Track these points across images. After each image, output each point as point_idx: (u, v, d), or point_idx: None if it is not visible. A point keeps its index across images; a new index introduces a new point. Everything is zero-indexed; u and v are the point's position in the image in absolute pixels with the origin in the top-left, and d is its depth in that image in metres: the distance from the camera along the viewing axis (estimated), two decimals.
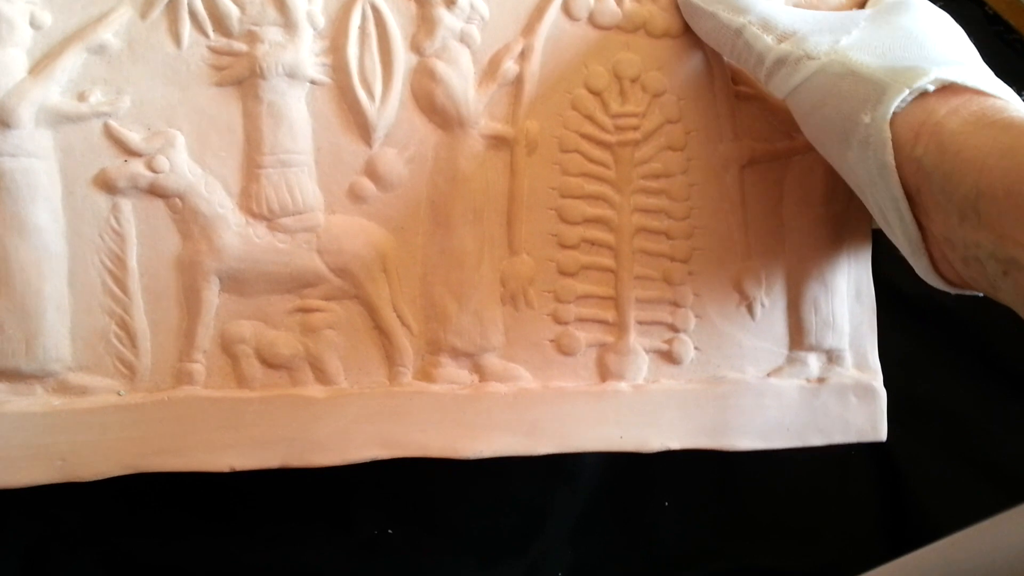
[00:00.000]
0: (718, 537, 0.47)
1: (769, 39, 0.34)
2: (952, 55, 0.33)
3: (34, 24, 0.33)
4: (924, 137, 0.30)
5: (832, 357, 0.41)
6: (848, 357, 0.41)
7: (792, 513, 0.48)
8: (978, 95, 0.30)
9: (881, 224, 0.34)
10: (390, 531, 0.43)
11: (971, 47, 0.35)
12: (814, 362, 0.41)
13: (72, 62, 0.33)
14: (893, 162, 0.30)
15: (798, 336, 0.41)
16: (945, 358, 0.51)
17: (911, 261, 0.33)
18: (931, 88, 0.30)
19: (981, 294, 0.32)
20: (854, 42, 0.33)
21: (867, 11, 0.37)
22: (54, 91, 0.33)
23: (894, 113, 0.30)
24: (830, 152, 0.34)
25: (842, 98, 0.32)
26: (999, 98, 0.30)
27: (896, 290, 0.43)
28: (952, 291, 0.33)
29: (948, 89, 0.30)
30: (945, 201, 0.29)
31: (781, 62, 0.34)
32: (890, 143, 0.30)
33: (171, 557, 0.41)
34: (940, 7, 0.67)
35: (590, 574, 0.45)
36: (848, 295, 0.41)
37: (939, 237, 0.31)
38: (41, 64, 0.33)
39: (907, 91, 0.30)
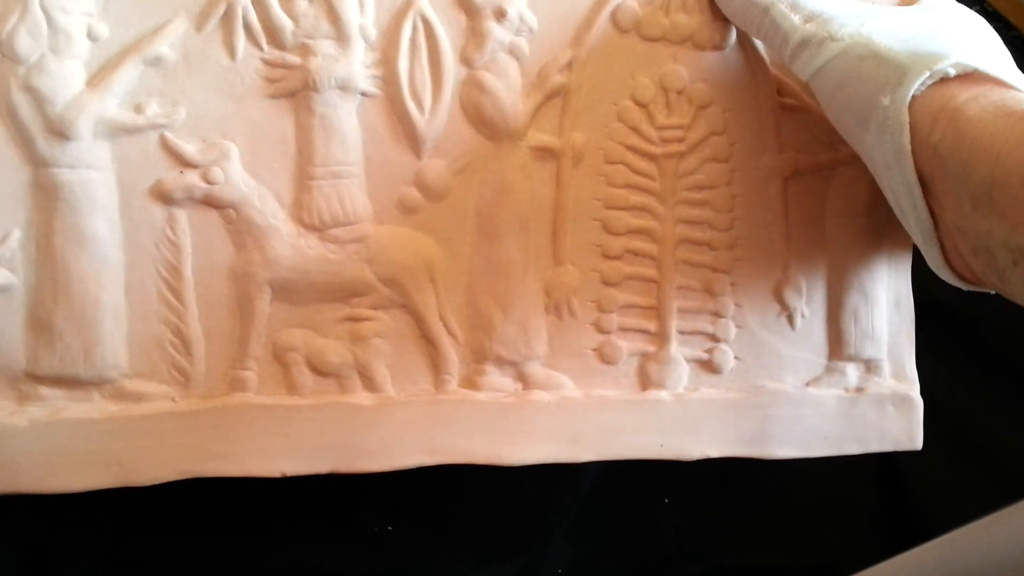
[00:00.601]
0: (717, 535, 0.48)
1: (796, 19, 0.35)
2: (979, 48, 0.34)
3: (91, 36, 0.34)
4: (942, 123, 0.30)
5: (871, 367, 0.42)
6: (886, 367, 0.42)
7: (792, 511, 0.49)
8: (999, 85, 0.31)
9: (896, 211, 0.34)
10: (390, 528, 0.44)
11: (1001, 46, 0.35)
12: (853, 372, 0.42)
13: (129, 74, 0.34)
14: (909, 146, 0.31)
15: (837, 346, 0.42)
16: (944, 356, 0.51)
17: (923, 251, 0.33)
18: (952, 72, 0.30)
19: (992, 291, 0.32)
20: (879, 26, 0.34)
21: (899, 6, 0.37)
22: (111, 103, 0.34)
23: (913, 97, 0.31)
24: (850, 135, 0.35)
25: (863, 80, 0.32)
26: (1020, 91, 0.31)
27: None
28: (963, 286, 0.33)
29: (969, 77, 0.31)
30: (959, 188, 0.30)
31: (805, 43, 0.34)
32: (907, 126, 0.30)
33: (172, 556, 0.42)
34: None
35: (590, 571, 0.46)
36: (888, 305, 0.42)
37: (951, 226, 0.31)
38: (99, 76, 0.34)
39: (927, 74, 0.30)
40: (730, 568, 0.47)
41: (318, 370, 0.36)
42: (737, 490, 0.47)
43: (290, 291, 0.36)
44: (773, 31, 0.35)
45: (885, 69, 0.31)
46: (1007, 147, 0.28)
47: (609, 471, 0.46)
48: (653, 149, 0.39)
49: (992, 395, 0.51)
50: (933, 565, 0.36)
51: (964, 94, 0.30)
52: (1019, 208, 0.27)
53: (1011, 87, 0.31)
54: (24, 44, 0.33)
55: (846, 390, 0.42)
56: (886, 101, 0.31)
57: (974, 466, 0.50)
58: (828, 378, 0.42)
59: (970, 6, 0.71)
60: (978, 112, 0.29)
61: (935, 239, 0.32)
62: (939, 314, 0.52)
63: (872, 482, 0.50)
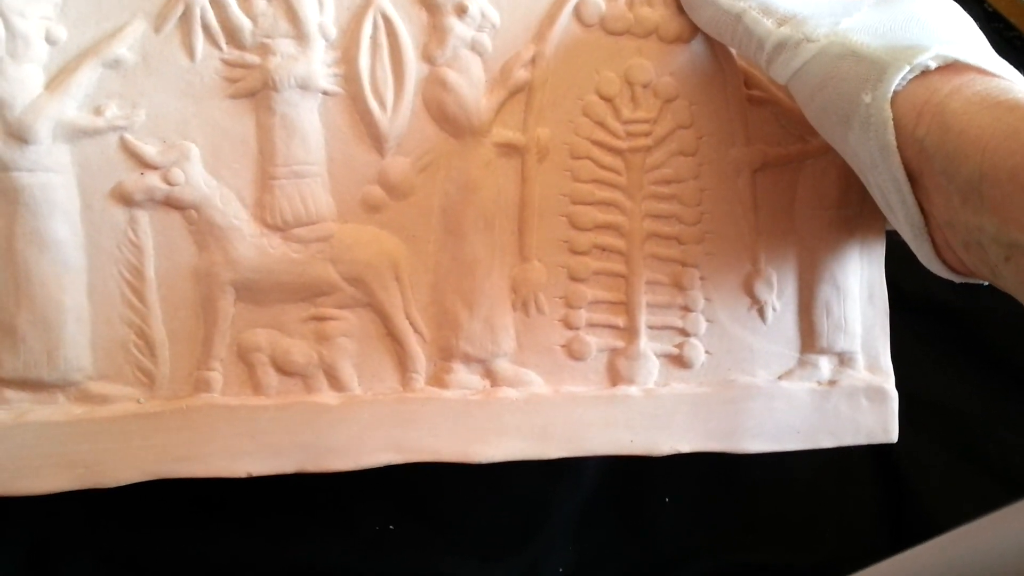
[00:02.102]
0: (718, 534, 0.49)
1: (769, 23, 0.36)
2: (956, 36, 0.34)
3: (49, 39, 0.35)
4: (926, 117, 0.30)
5: (844, 360, 0.43)
6: (860, 359, 0.44)
7: (792, 509, 0.50)
8: (982, 74, 0.31)
9: (883, 209, 0.35)
10: (392, 527, 0.45)
11: (978, 32, 0.36)
12: (825, 365, 0.43)
13: (88, 77, 0.35)
14: (895, 143, 0.31)
15: (809, 339, 0.43)
16: (944, 354, 0.53)
17: (913, 247, 0.34)
18: (933, 65, 0.31)
19: (984, 283, 0.33)
20: (855, 24, 0.34)
21: None
22: (71, 106, 0.35)
23: (895, 92, 0.31)
24: (832, 136, 0.35)
25: (842, 79, 0.33)
26: (1004, 78, 0.31)
27: (895, 287, 0.44)
28: (956, 279, 0.34)
29: (951, 67, 0.31)
30: (947, 183, 0.30)
31: (781, 46, 0.35)
32: (891, 123, 0.31)
33: (171, 554, 0.44)
34: None
35: (591, 570, 0.48)
36: (861, 297, 0.43)
37: (941, 221, 0.32)
38: (57, 79, 0.35)
39: (908, 68, 0.31)
40: (730, 568, 0.49)
41: (283, 370, 0.38)
42: (737, 490, 0.49)
43: (254, 291, 0.37)
44: (747, 38, 0.36)
45: (864, 66, 0.32)
46: (994, 140, 0.28)
47: (610, 471, 0.48)
48: (619, 144, 0.40)
49: (992, 395, 0.53)
50: (933, 565, 0.37)
51: (947, 86, 0.31)
52: (1009, 203, 0.28)
53: (993, 75, 0.31)
54: None
55: (819, 383, 0.43)
56: (868, 98, 0.32)
57: (974, 466, 0.51)
58: (800, 371, 0.43)
59: (970, 6, 0.72)
60: (963, 104, 0.30)
61: (926, 234, 0.33)
62: (938, 313, 0.53)
63: (872, 482, 0.51)
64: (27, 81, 0.35)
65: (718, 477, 0.49)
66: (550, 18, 0.40)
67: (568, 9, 0.40)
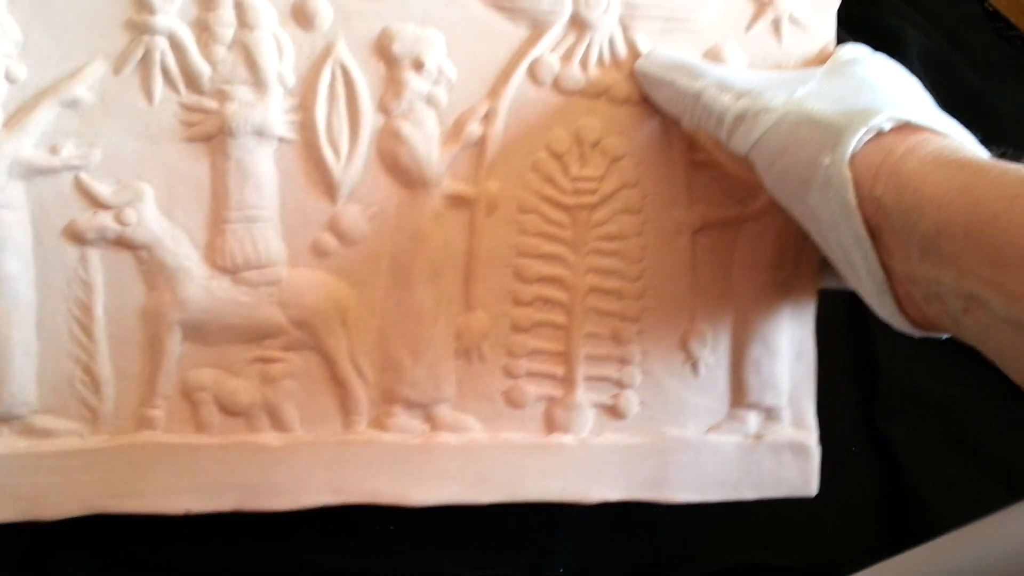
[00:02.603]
0: (718, 534, 0.51)
1: (727, 98, 0.38)
2: (906, 99, 0.36)
3: (9, 78, 0.36)
4: (883, 176, 0.32)
5: (771, 415, 0.46)
6: (786, 415, 0.46)
7: (792, 509, 0.51)
8: (934, 135, 0.33)
9: (844, 269, 0.37)
10: (392, 528, 0.47)
11: (925, 94, 0.38)
12: (753, 419, 0.46)
13: (46, 116, 0.36)
14: (855, 201, 0.33)
15: (739, 394, 0.46)
16: (945, 354, 0.53)
17: (876, 303, 0.36)
18: (887, 127, 0.33)
19: (945, 335, 0.35)
20: (809, 92, 0.37)
21: (823, 67, 0.41)
22: (27, 144, 0.36)
23: (852, 154, 0.33)
24: (791, 200, 0.37)
25: (801, 144, 0.35)
26: (953, 138, 0.34)
27: None
28: (918, 333, 0.36)
29: (904, 128, 0.33)
30: (906, 238, 0.32)
31: (740, 118, 0.37)
32: (851, 183, 0.33)
33: (170, 557, 0.45)
34: (941, 4, 0.72)
35: (591, 571, 0.49)
36: (789, 356, 0.46)
37: (902, 275, 0.34)
38: (15, 118, 0.36)
39: (864, 129, 0.33)
40: (730, 568, 0.50)
41: (227, 409, 0.39)
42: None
43: (201, 332, 0.39)
44: (707, 114, 0.39)
45: (821, 131, 0.34)
46: (948, 196, 0.30)
47: None
48: (566, 199, 0.42)
49: (993, 395, 0.54)
50: (934, 565, 0.38)
51: (901, 146, 0.33)
52: (965, 256, 0.29)
53: (943, 135, 0.34)
54: None
55: (745, 437, 0.46)
56: (827, 161, 0.34)
57: (975, 466, 0.53)
58: (729, 425, 0.46)
59: (971, 5, 0.74)
60: (917, 164, 0.32)
61: (888, 289, 0.34)
62: None
63: (872, 482, 0.53)
64: None
65: None
66: (505, 75, 0.41)
67: (523, 68, 0.41)
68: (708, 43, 0.44)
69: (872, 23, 0.71)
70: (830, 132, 0.34)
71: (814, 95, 0.36)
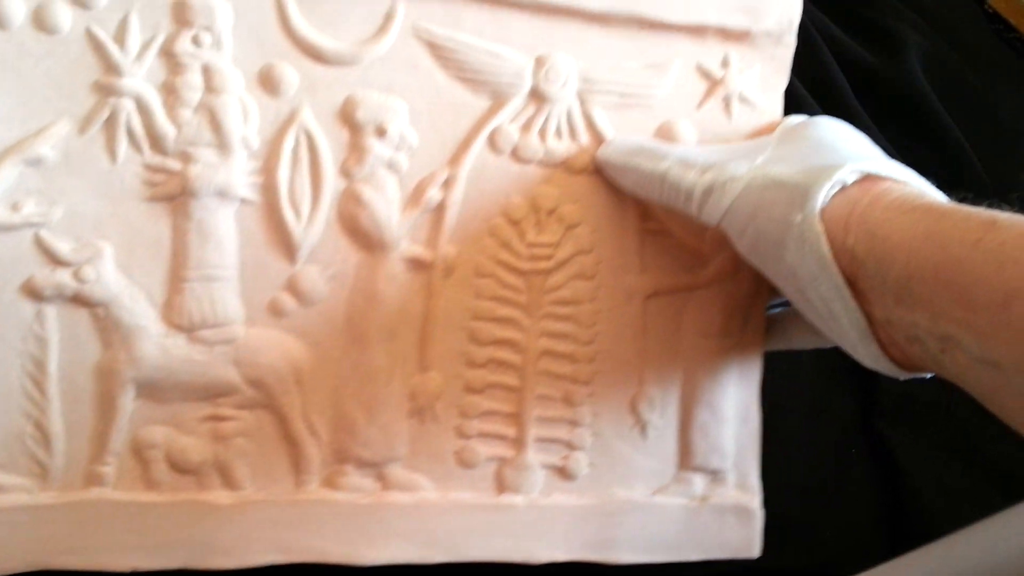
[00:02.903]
0: None
1: (692, 175, 0.40)
2: (863, 153, 0.38)
3: None
4: (853, 227, 0.34)
5: (716, 478, 0.48)
6: (730, 478, 0.48)
7: (792, 509, 0.52)
8: (895, 183, 0.35)
9: (826, 322, 0.38)
10: None
11: (876, 148, 0.40)
12: (699, 482, 0.47)
13: (8, 174, 0.37)
14: (830, 253, 0.35)
15: (686, 457, 0.47)
16: None
17: (860, 350, 0.37)
18: (851, 179, 0.35)
19: (929, 375, 0.36)
20: (769, 158, 0.39)
21: (774, 134, 0.43)
22: None
23: (821, 208, 0.35)
24: (767, 262, 0.39)
25: (771, 206, 0.37)
26: (913, 185, 0.36)
27: None
28: (903, 375, 0.37)
29: (867, 180, 0.35)
30: (880, 285, 0.33)
31: (708, 191, 0.39)
32: (824, 236, 0.34)
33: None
34: (940, 5, 0.73)
35: (592, 570, 0.49)
36: (735, 420, 0.48)
37: (882, 320, 0.35)
38: None
39: (829, 184, 0.35)
40: (730, 568, 0.50)
41: (178, 467, 0.40)
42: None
43: (154, 389, 0.39)
44: (674, 192, 0.41)
45: (788, 191, 0.36)
46: (915, 242, 0.32)
47: None
48: (522, 265, 0.44)
49: None
50: (932, 568, 0.38)
51: (866, 197, 0.35)
52: (936, 298, 0.31)
53: (903, 183, 0.36)
54: None
55: (691, 499, 0.47)
56: (798, 218, 0.35)
57: (975, 468, 0.54)
58: (675, 487, 0.47)
59: (971, 7, 0.75)
60: (883, 212, 0.34)
61: (871, 334, 0.36)
62: None
63: (872, 483, 0.54)
64: None
65: None
66: (465, 143, 0.43)
67: (483, 136, 0.43)
68: (661, 119, 0.46)
69: (872, 25, 0.74)
70: (797, 191, 0.36)
71: (774, 160, 0.39)
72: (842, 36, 0.73)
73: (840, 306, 0.35)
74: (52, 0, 0.37)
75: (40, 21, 0.37)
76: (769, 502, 0.50)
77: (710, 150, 0.43)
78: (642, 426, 0.46)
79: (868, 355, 0.36)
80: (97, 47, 0.38)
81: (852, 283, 0.35)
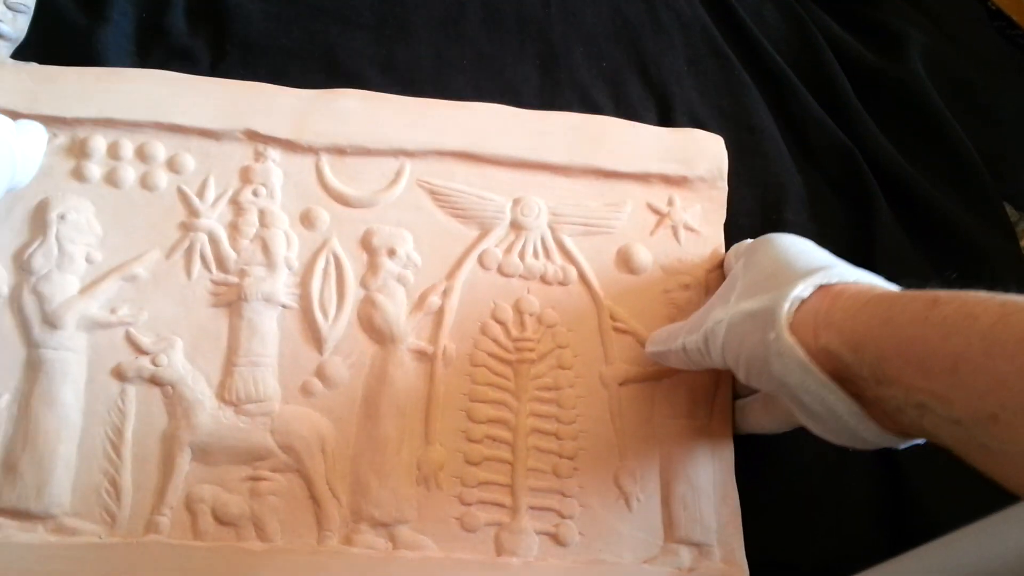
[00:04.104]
0: None
1: (695, 337, 0.48)
2: (815, 262, 0.43)
3: (89, 260, 0.50)
4: (820, 330, 0.39)
5: (702, 551, 0.52)
6: (716, 552, 0.52)
7: (792, 509, 0.53)
8: (846, 286, 0.40)
9: (824, 421, 0.40)
10: None
11: (827, 253, 0.46)
12: (685, 554, 0.52)
13: (111, 287, 0.50)
14: (807, 356, 0.39)
15: (671, 529, 0.52)
16: None
17: (861, 432, 0.39)
18: (807, 294, 0.41)
19: (923, 440, 0.40)
20: (739, 294, 0.47)
21: (738, 267, 0.51)
22: (94, 306, 0.49)
23: (788, 323, 0.40)
24: (761, 379, 0.43)
25: (748, 333, 0.44)
26: (862, 282, 0.41)
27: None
28: (903, 443, 0.40)
29: (820, 290, 0.41)
30: (859, 371, 0.37)
31: (706, 341, 0.47)
32: (797, 344, 0.39)
33: None
34: (942, 3, 0.74)
35: None
36: (715, 497, 0.53)
37: (871, 399, 0.38)
38: (89, 288, 0.50)
39: (788, 303, 0.40)
40: None
41: (220, 520, 0.48)
42: (738, 490, 0.53)
43: (206, 453, 0.48)
44: (697, 355, 0.48)
45: (760, 318, 0.42)
46: (875, 331, 0.36)
47: None
48: (509, 356, 0.53)
49: None
50: (933, 567, 0.38)
51: (823, 304, 0.40)
52: (903, 374, 0.35)
53: (852, 283, 0.41)
54: (38, 263, 0.49)
55: (679, 570, 0.51)
56: (772, 335, 0.40)
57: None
58: (663, 558, 0.52)
59: (974, 5, 0.75)
60: (842, 313, 0.39)
61: (867, 416, 0.38)
62: None
63: (873, 482, 0.54)
64: (66, 287, 0.49)
65: None
66: (459, 262, 0.55)
67: (473, 257, 0.55)
68: (620, 243, 0.57)
69: (873, 23, 0.76)
70: (766, 315, 0.42)
71: (742, 295, 0.46)
72: (843, 35, 0.74)
73: (833, 398, 0.38)
74: (155, 168, 0.53)
75: (145, 182, 0.53)
76: (769, 501, 0.52)
77: (702, 312, 0.49)
78: (626, 498, 0.52)
79: (869, 433, 0.39)
80: (184, 199, 0.53)
81: (835, 376, 0.39)
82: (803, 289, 0.41)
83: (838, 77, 0.71)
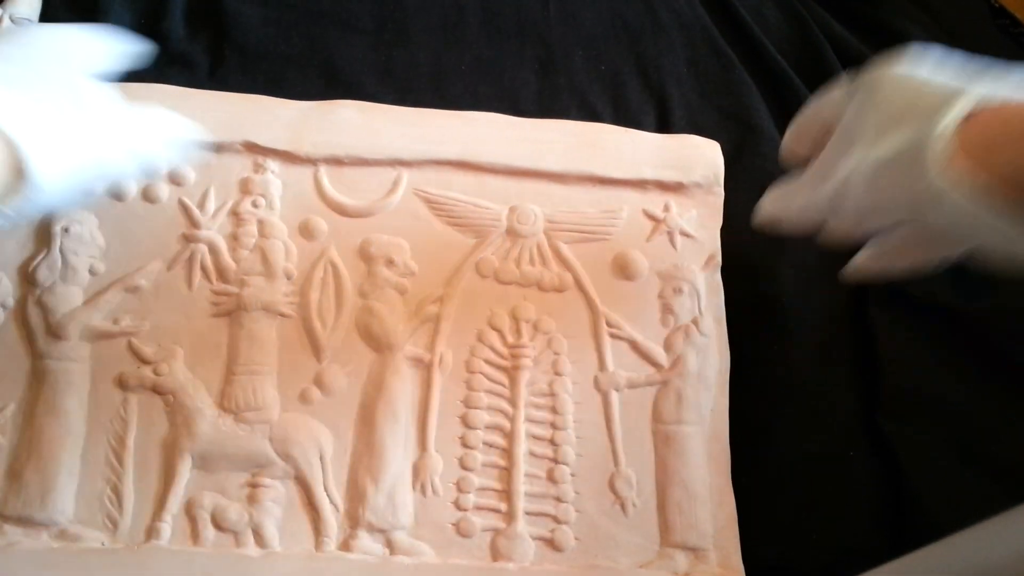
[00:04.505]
0: None
1: (823, 193, 0.44)
2: (953, 82, 0.40)
3: (92, 271, 0.51)
4: (987, 156, 0.36)
5: (699, 555, 0.52)
6: (712, 556, 0.52)
7: (792, 509, 0.53)
8: (999, 108, 0.38)
9: (996, 252, 0.38)
10: None
11: (958, 62, 0.42)
12: (682, 558, 0.52)
13: (113, 297, 0.51)
14: (977, 193, 0.36)
15: (667, 534, 0.52)
16: (948, 355, 0.55)
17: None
18: (956, 123, 0.37)
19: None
20: (870, 138, 0.41)
21: (854, 106, 0.45)
22: (97, 317, 0.50)
23: (949, 157, 0.37)
24: (916, 225, 0.41)
25: (899, 176, 0.39)
26: (1014, 101, 0.38)
27: (898, 287, 0.48)
28: None
29: (974, 115, 0.38)
30: None
31: (838, 194, 0.43)
32: (965, 180, 0.36)
33: None
34: (944, 2, 0.73)
35: None
36: (711, 501, 0.53)
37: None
38: (92, 299, 0.51)
39: (940, 137, 0.37)
40: None
41: (219, 526, 0.48)
42: (737, 490, 0.53)
43: (206, 460, 0.49)
44: (818, 214, 0.45)
45: (905, 158, 0.38)
46: None
47: None
48: (505, 363, 0.54)
49: (995, 396, 0.54)
50: (934, 569, 0.38)
51: (978, 129, 0.37)
52: None
53: (1000, 103, 0.38)
54: (43, 275, 0.51)
55: (675, 574, 0.52)
56: (932, 174, 0.37)
57: (977, 468, 0.52)
58: (659, 562, 0.52)
59: (977, 2, 0.73)
60: (1004, 138, 0.36)
61: None
62: (942, 314, 0.57)
63: (873, 483, 0.53)
64: (70, 298, 0.51)
65: None
66: (456, 269, 0.55)
67: (470, 263, 0.55)
68: (617, 250, 0.57)
69: (876, 22, 0.75)
70: (916, 155, 0.38)
71: (876, 136, 0.41)
72: (845, 34, 0.74)
73: (1015, 231, 0.36)
74: (157, 181, 0.54)
75: (147, 194, 0.54)
76: (766, 505, 0.52)
77: (815, 166, 0.46)
78: (622, 503, 0.53)
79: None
80: (185, 210, 0.54)
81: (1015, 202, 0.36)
82: (954, 117, 0.37)
83: (839, 76, 0.68)
